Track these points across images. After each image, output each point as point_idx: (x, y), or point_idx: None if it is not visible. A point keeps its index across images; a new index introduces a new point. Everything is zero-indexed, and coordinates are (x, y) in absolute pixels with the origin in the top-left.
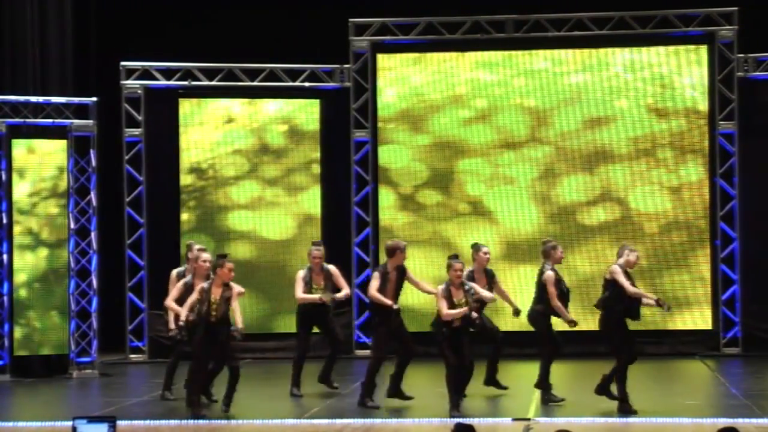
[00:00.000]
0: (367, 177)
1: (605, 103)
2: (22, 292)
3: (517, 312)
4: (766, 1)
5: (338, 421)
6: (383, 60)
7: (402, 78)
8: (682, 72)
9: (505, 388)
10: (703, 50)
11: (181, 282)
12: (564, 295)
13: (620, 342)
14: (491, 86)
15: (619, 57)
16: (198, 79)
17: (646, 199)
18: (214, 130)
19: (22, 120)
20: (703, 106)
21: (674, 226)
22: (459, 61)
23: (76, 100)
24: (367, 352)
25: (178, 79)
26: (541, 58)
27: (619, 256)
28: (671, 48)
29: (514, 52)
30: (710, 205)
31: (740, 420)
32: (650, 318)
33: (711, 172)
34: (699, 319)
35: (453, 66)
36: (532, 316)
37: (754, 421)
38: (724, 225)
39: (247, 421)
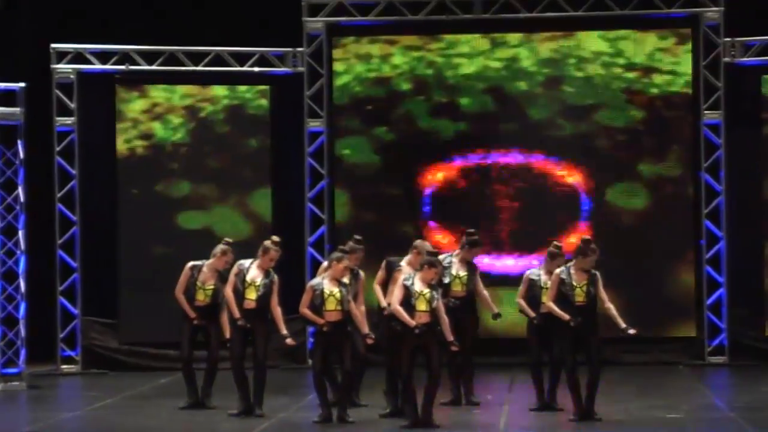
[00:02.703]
0: (322, 171)
1: (580, 89)
2: None
3: (496, 316)
4: None
5: None
6: (339, 43)
7: (360, 63)
8: (664, 57)
9: (477, 403)
10: (687, 33)
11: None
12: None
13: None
14: (458, 72)
15: (595, 40)
16: (136, 64)
17: (623, 194)
18: (155, 120)
19: None
20: (687, 94)
21: (654, 224)
22: (423, 44)
23: (1, 86)
24: None
25: (115, 64)
26: (512, 41)
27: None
28: (652, 31)
29: (482, 35)
30: (694, 201)
31: None
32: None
33: (695, 165)
34: (682, 325)
35: (416, 49)
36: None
37: None
38: (709, 223)
39: None
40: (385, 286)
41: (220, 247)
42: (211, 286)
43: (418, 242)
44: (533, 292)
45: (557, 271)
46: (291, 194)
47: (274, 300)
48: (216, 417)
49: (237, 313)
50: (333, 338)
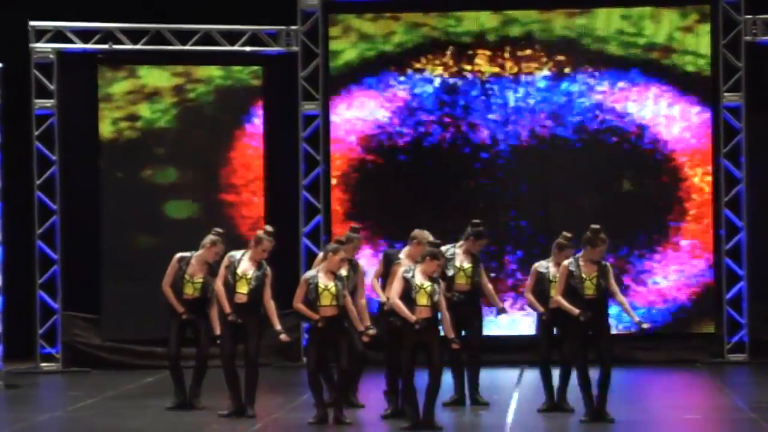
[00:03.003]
0: (318, 156)
1: (593, 68)
2: None
3: (500, 311)
4: None
5: None
6: (336, 20)
7: (358, 41)
8: (682, 36)
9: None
10: (706, 10)
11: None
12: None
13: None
14: (462, 52)
15: (609, 18)
16: (120, 43)
17: (638, 182)
18: (140, 102)
19: None
20: (706, 75)
21: (671, 214)
22: (425, 21)
23: None
24: None
25: (97, 43)
26: (524, 18)
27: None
28: (670, 8)
29: (491, 12)
30: (713, 189)
31: None
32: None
33: (714, 151)
34: (700, 321)
35: (419, 27)
36: None
37: None
38: (728, 212)
39: None
40: (384, 279)
41: (209, 238)
42: (200, 279)
43: (417, 232)
44: (542, 286)
45: (565, 262)
46: (285, 182)
47: (267, 294)
48: (205, 418)
49: (228, 308)
50: (328, 335)
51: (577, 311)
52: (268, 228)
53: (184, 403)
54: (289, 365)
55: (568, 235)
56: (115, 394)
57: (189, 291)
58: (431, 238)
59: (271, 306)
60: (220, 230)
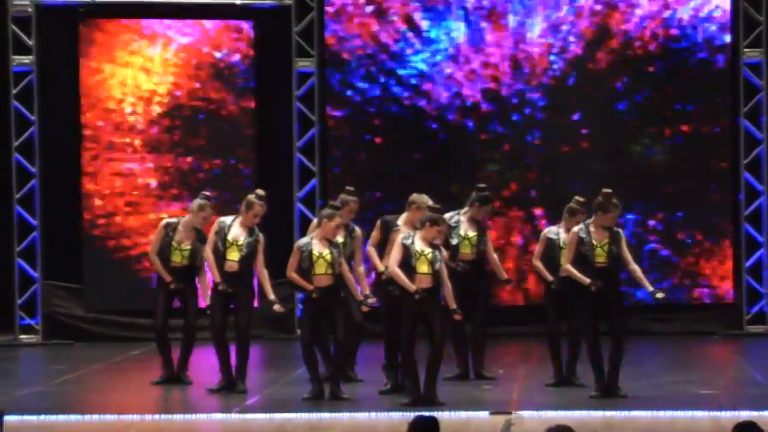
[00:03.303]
0: (313, 117)
1: (603, 24)
2: None
3: (505, 282)
4: None
5: (277, 416)
6: None
7: None
8: None
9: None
10: None
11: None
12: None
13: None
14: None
15: None
16: None
17: (653, 144)
18: (124, 58)
19: None
20: (725, 29)
21: (687, 177)
22: None
23: None
24: None
25: None
26: None
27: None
28: None
29: None
30: (732, 151)
31: (766, 413)
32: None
33: (733, 110)
34: (718, 291)
35: None
36: None
37: None
38: (748, 175)
39: (166, 416)
40: (382, 248)
41: (197, 202)
42: (188, 247)
43: (415, 196)
44: (551, 253)
45: (575, 229)
46: (277, 143)
47: (260, 261)
48: (193, 393)
49: (218, 277)
50: (323, 305)
51: (587, 280)
52: (260, 192)
53: (172, 377)
54: (282, 337)
55: (581, 199)
56: (98, 367)
57: (176, 259)
58: (430, 202)
59: (264, 274)
60: (207, 194)
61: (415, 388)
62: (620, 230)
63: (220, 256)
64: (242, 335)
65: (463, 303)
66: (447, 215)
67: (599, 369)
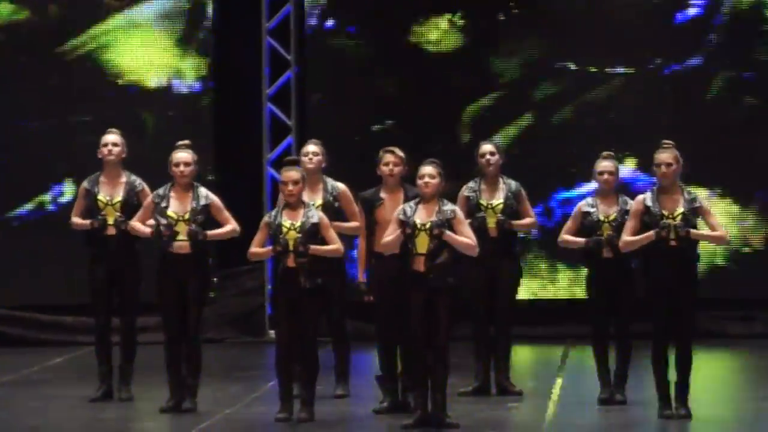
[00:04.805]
0: (288, 56)
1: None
2: None
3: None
4: None
5: None
6: None
7: None
8: None
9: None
10: None
11: None
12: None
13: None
14: None
15: None
16: None
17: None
18: None
19: None
20: None
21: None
22: None
23: None
24: None
25: None
26: None
27: None
28: None
29: None
30: None
31: None
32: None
33: None
34: None
35: None
36: None
37: None
38: None
39: None
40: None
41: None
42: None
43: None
44: (587, 230)
45: (640, 197)
46: (243, 90)
47: (223, 220)
48: (134, 413)
49: (144, 230)
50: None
51: (652, 234)
52: (184, 142)
53: (110, 393)
54: (251, 341)
55: (611, 154)
56: (11, 379)
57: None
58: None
59: (230, 226)
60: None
61: (423, 402)
62: (697, 195)
63: (166, 241)
64: (191, 339)
65: (485, 293)
66: (466, 187)
67: (664, 380)
